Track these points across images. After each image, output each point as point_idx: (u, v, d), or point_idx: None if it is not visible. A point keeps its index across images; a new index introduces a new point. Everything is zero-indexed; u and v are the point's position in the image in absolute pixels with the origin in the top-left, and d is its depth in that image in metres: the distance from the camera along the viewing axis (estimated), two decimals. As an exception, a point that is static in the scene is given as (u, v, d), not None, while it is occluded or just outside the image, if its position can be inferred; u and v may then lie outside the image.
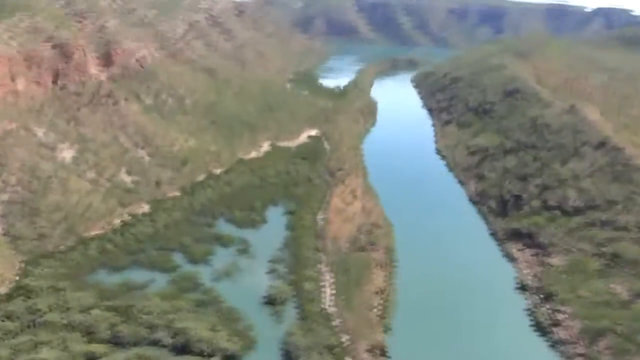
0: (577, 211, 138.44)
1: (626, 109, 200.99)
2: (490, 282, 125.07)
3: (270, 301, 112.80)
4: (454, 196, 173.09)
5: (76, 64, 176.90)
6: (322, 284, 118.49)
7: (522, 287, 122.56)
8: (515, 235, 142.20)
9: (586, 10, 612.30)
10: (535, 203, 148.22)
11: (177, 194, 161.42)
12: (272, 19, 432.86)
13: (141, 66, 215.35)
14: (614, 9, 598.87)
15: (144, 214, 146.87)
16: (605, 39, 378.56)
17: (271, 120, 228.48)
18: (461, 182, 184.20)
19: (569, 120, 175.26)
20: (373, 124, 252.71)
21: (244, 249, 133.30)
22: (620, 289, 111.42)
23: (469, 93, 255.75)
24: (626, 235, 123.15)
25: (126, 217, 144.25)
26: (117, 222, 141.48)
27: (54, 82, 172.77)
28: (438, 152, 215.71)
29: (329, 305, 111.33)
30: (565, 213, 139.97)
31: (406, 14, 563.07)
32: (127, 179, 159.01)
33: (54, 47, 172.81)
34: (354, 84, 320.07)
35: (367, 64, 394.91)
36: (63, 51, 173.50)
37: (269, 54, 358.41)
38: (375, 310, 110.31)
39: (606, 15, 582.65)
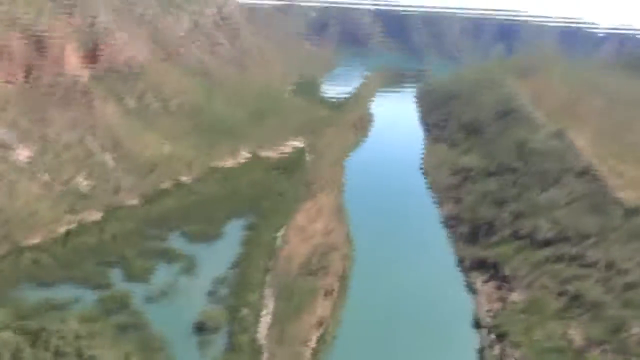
0: (547, 243, 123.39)
1: (621, 136, 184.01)
2: (446, 317, 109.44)
3: (201, 328, 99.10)
4: (427, 219, 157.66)
5: (53, 59, 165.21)
6: (261, 311, 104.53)
7: (478, 325, 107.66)
8: (482, 265, 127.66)
9: (600, 33, 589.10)
10: (507, 231, 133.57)
11: (136, 202, 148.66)
12: (284, 25, 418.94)
13: (128, 66, 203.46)
14: (628, 32, 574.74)
15: (94, 223, 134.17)
16: (614, 63, 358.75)
17: (258, 128, 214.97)
18: (438, 204, 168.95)
19: (555, 145, 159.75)
20: (364, 137, 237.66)
21: (190, 266, 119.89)
22: (575, 334, 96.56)
23: (464, 111, 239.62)
24: (592, 274, 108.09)
25: (73, 225, 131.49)
26: (62, 230, 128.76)
27: (26, 77, 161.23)
28: (423, 170, 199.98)
29: (263, 337, 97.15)
30: (535, 244, 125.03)
31: (421, 26, 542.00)
32: (84, 183, 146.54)
33: (29, 38, 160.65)
34: (354, 95, 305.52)
35: (373, 75, 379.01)
36: (39, 44, 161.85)
37: (274, 59, 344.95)
38: (310, 345, 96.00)
39: (620, 39, 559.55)
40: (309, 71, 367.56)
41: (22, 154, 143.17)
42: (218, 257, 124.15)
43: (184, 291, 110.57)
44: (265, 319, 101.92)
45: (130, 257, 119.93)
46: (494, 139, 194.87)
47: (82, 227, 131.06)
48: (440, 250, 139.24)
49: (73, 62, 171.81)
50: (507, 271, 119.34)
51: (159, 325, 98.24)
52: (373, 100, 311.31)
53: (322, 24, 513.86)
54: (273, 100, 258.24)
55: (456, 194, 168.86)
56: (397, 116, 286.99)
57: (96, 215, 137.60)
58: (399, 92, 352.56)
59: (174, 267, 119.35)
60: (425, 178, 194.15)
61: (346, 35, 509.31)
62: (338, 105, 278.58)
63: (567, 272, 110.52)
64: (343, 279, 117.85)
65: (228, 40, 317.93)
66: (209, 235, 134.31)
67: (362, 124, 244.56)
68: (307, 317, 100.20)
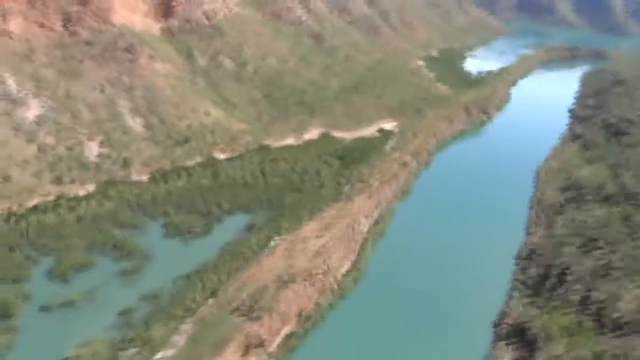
0: (617, 327, 79.12)
1: None
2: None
3: (67, 366, 75.00)
4: (500, 252, 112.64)
5: (95, 8, 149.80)
6: (155, 355, 77.37)
7: None
8: (520, 336, 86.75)
9: None
10: (576, 293, 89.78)
11: (145, 178, 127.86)
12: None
13: (208, 20, 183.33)
14: None
15: (72, 199, 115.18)
16: None
17: (346, 102, 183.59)
18: (528, 230, 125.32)
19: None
20: (483, 125, 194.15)
21: (135, 270, 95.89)
22: None
23: (618, 104, 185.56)
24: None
25: (48, 199, 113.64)
26: (31, 203, 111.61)
27: (65, 26, 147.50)
28: (535, 178, 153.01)
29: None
30: (602, 325, 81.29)
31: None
32: (93, 151, 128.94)
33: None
34: (500, 72, 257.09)
35: (541, 50, 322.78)
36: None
37: (419, 24, 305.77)
38: None
39: None
40: (463, 40, 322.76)
41: (32, 111, 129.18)
42: (178, 262, 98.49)
43: (96, 304, 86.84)
44: (150, 371, 74.58)
45: (74, 248, 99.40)
46: (632, 146, 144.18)
47: (56, 203, 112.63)
48: (485, 301, 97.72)
49: (122, 12, 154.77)
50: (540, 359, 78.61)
51: (20, 351, 76.17)
52: (523, 80, 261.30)
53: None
54: (390, 72, 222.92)
55: (553, 218, 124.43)
56: (543, 101, 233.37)
57: (83, 190, 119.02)
58: (563, 72, 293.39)
59: (114, 267, 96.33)
60: (533, 189, 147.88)
61: (526, 3, 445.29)
62: (472, 82, 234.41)
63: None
64: (302, 325, 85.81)
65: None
66: (193, 231, 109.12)
67: (480, 108, 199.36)
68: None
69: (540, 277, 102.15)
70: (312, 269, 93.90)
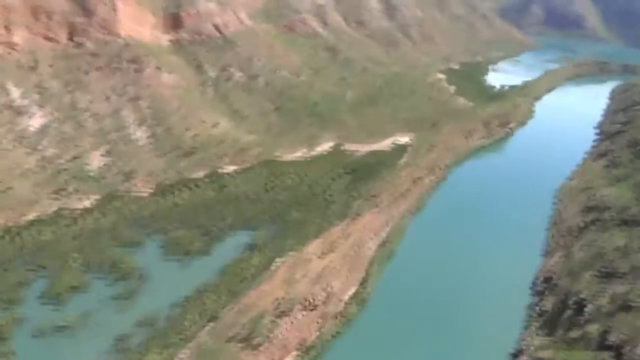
0: None
1: None
2: None
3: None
4: (515, 276, 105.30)
5: (100, 20, 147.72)
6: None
7: None
8: None
9: None
10: (593, 328, 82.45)
11: (147, 192, 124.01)
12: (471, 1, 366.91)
13: (219, 33, 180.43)
14: None
15: (73, 212, 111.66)
16: None
17: (360, 115, 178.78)
18: (545, 254, 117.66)
19: None
20: (500, 140, 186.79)
21: (131, 291, 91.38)
22: None
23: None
24: None
25: (49, 212, 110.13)
26: (31, 216, 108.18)
27: (70, 38, 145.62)
28: (556, 197, 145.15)
29: None
30: None
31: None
32: (96, 163, 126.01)
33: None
34: (523, 86, 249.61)
35: (568, 64, 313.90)
36: (82, 4, 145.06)
37: (440, 38, 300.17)
38: None
39: None
40: (486, 54, 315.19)
41: (35, 120, 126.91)
42: (175, 284, 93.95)
43: (91, 329, 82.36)
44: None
45: (69, 267, 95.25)
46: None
47: (56, 217, 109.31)
48: (498, 335, 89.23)
49: (127, 24, 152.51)
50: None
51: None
52: (548, 94, 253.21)
53: (524, 2, 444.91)
54: (406, 84, 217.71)
55: (571, 242, 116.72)
56: (569, 117, 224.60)
57: (84, 203, 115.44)
58: (593, 88, 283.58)
59: (110, 289, 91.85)
60: (553, 209, 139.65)
61: (553, 16, 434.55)
62: (494, 96, 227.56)
63: None
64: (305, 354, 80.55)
65: (386, 11, 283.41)
66: (192, 249, 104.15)
67: (501, 122, 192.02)
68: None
69: (557, 308, 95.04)
70: (313, 294, 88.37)
